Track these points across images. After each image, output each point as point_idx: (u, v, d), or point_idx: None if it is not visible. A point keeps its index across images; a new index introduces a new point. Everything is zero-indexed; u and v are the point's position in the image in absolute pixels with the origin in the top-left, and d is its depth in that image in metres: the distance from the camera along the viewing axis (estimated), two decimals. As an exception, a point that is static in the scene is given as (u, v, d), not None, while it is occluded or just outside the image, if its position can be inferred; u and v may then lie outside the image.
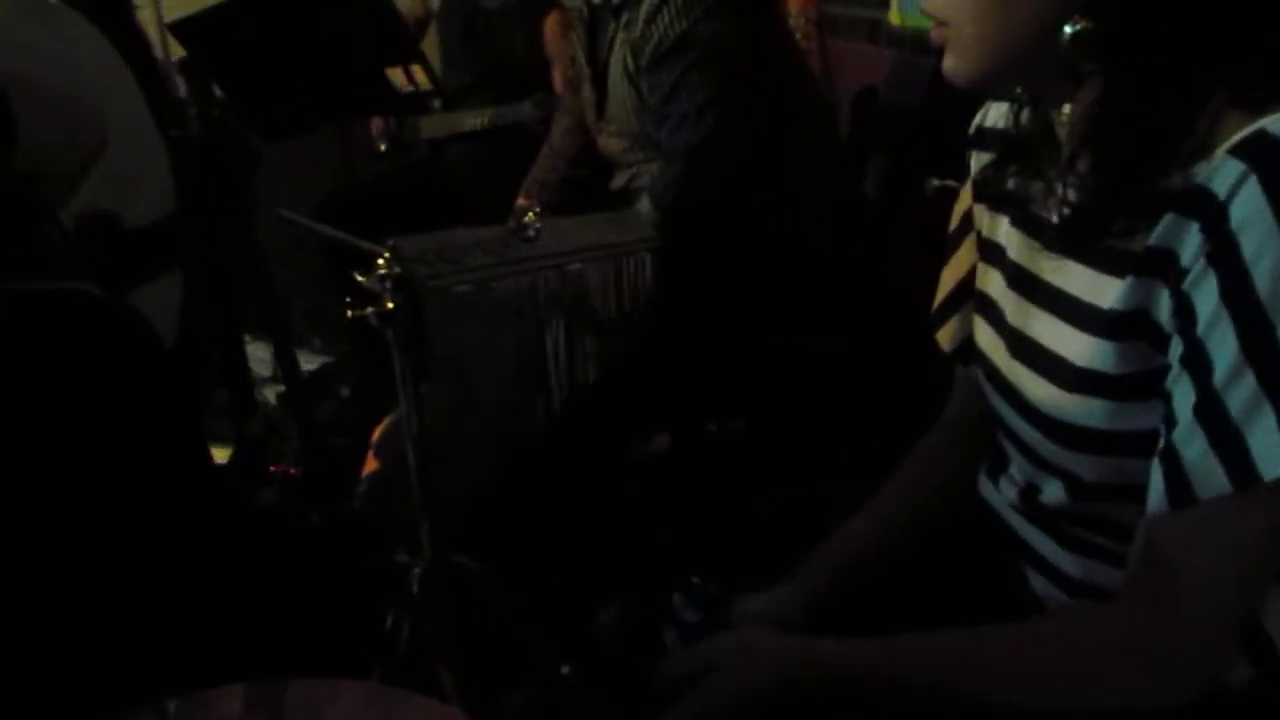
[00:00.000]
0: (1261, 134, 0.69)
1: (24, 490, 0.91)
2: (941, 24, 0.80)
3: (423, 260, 1.32)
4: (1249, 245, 0.68)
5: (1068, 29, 0.74)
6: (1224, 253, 0.69)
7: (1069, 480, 0.83)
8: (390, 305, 1.36)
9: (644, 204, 1.68)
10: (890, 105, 2.13)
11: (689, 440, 1.83)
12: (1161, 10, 0.72)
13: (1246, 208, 0.68)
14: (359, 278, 1.37)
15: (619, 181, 1.95)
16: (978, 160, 0.99)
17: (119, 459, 0.99)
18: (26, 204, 1.11)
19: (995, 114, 0.97)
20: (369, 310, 1.37)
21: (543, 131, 2.18)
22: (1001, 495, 0.94)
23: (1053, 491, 0.85)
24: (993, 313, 0.94)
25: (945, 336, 1.05)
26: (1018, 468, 0.91)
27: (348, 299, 1.38)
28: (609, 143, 1.93)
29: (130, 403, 1.02)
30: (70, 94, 1.16)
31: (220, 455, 1.90)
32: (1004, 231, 0.94)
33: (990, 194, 0.96)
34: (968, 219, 1.03)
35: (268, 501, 1.82)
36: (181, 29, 1.72)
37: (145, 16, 2.17)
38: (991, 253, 0.96)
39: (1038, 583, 0.90)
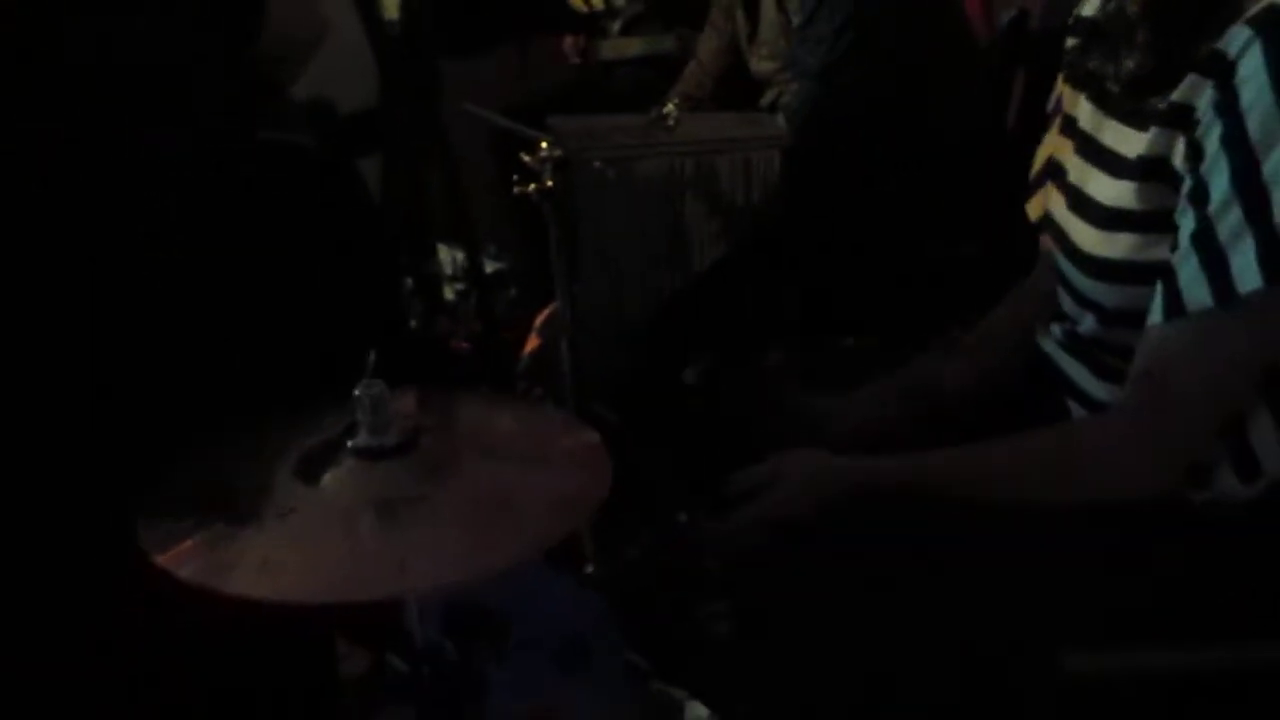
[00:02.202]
0: (1271, 6, 0.82)
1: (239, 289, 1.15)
2: None
3: (573, 136, 1.52)
4: (1246, 96, 0.81)
5: None
6: (1228, 103, 0.82)
7: (1097, 310, 0.96)
8: (549, 183, 1.57)
9: (779, 118, 1.81)
10: (1042, 30, 2.17)
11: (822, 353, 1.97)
12: None
13: (1249, 66, 0.81)
14: (524, 158, 1.59)
15: (766, 99, 2.09)
16: (1071, 44, 1.11)
17: (326, 282, 1.24)
18: (268, 79, 1.37)
19: (1090, 4, 1.09)
20: (531, 187, 1.58)
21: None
22: (1052, 337, 1.07)
23: (1088, 324, 0.99)
24: (1060, 175, 1.06)
25: (1034, 207, 1.18)
26: (1066, 308, 1.05)
27: (514, 177, 1.60)
28: (761, 65, 2.08)
29: (341, 236, 1.27)
30: None
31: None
32: (1081, 106, 1.06)
33: (1074, 74, 1.08)
34: (1060, 100, 1.15)
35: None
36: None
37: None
38: (1069, 126, 1.08)
39: (1076, 412, 1.03)
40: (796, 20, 1.80)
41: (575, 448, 0.77)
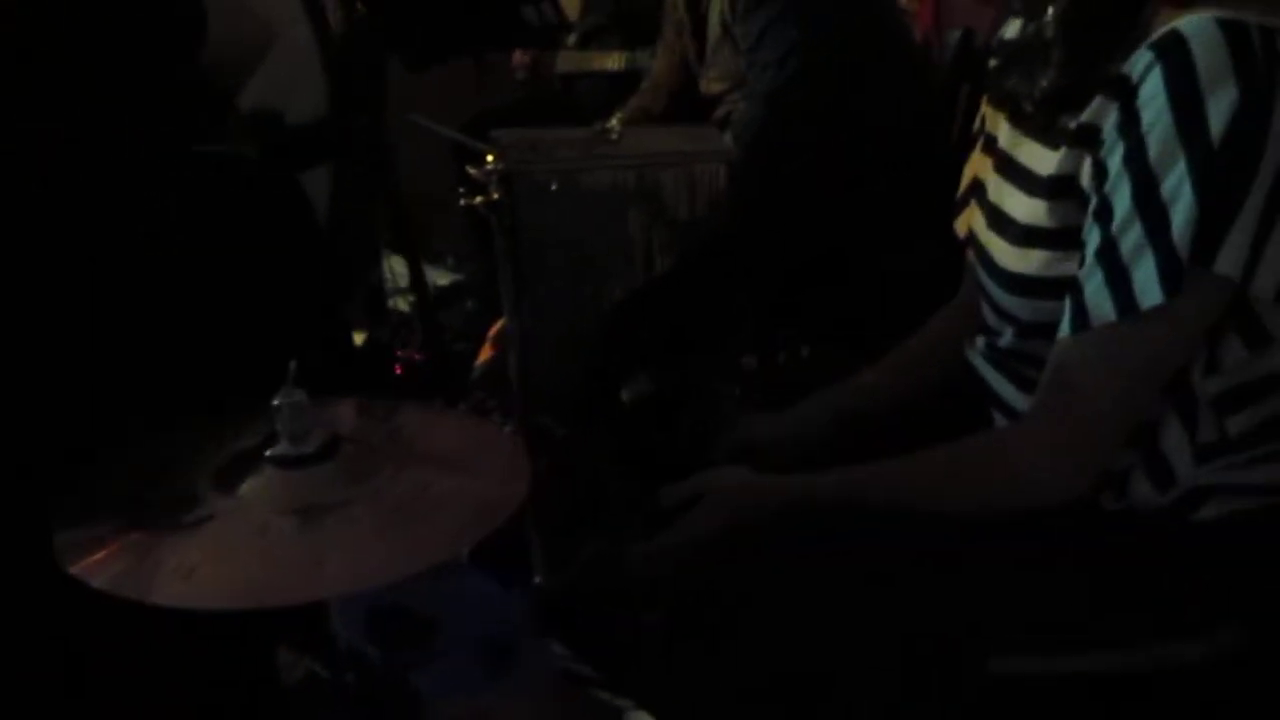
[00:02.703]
0: (1173, 31, 0.85)
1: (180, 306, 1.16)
2: None
3: (516, 149, 1.53)
4: (1146, 118, 0.84)
5: None
6: (1130, 124, 0.85)
7: (1015, 324, 0.99)
8: (494, 196, 1.59)
9: (727, 138, 1.84)
10: (986, 49, 2.22)
11: (776, 363, 2.00)
12: None
13: (1149, 89, 0.84)
14: (470, 171, 1.60)
15: (718, 115, 2.12)
16: (992, 65, 1.14)
17: (269, 291, 1.24)
18: (209, 89, 1.38)
19: (1011, 27, 1.12)
20: (478, 199, 1.60)
21: None
22: (977, 350, 1.10)
23: (1007, 337, 1.02)
24: (981, 193, 1.09)
25: (961, 223, 1.21)
26: (988, 322, 1.07)
27: (461, 190, 1.62)
28: (711, 86, 2.11)
29: (281, 246, 1.28)
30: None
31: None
32: (1001, 126, 1.09)
33: (994, 94, 1.11)
34: (983, 120, 1.18)
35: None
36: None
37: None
38: (989, 144, 1.11)
39: (999, 423, 1.06)
40: (743, 45, 1.84)
41: (494, 455, 0.79)
